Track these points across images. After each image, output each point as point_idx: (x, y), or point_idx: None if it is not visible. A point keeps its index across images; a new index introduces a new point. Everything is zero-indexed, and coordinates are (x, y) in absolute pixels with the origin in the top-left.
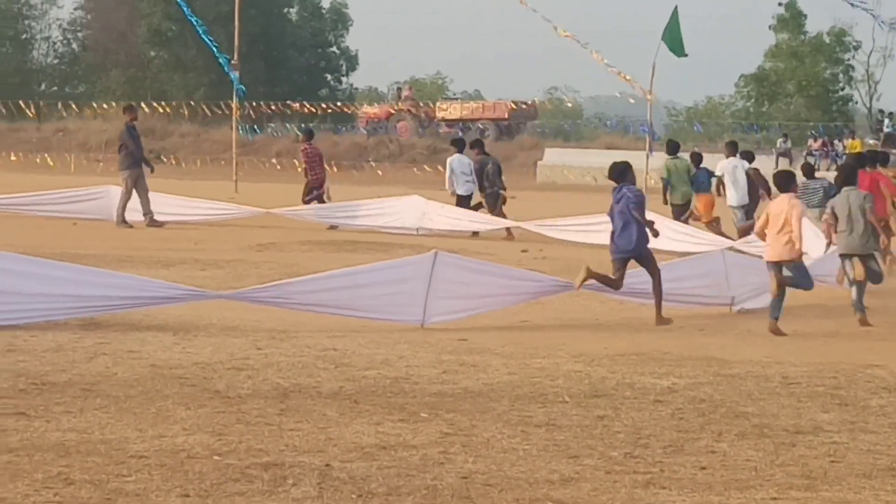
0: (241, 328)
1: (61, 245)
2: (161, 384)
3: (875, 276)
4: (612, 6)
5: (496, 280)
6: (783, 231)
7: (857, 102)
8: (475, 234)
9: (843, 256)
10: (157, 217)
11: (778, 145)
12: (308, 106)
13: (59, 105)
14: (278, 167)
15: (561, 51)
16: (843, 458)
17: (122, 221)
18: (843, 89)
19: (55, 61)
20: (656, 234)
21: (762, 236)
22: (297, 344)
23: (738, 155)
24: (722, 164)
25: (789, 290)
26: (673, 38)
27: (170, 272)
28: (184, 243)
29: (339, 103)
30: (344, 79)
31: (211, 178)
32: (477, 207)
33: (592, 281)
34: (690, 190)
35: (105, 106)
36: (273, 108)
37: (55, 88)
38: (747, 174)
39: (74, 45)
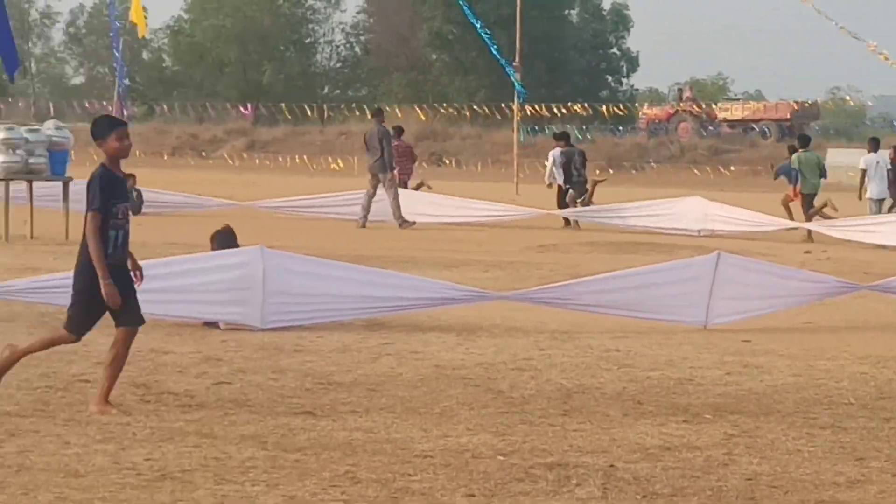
0: (523, 329)
1: (346, 247)
2: (445, 384)
3: None
4: None
5: (779, 281)
6: None
7: None
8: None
9: None
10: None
11: None
12: (589, 107)
13: (343, 108)
14: None
15: (844, 50)
16: None
17: (404, 221)
18: None
19: (338, 65)
20: None
21: None
22: (579, 345)
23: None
24: (864, 159)
25: None
26: None
27: (452, 273)
28: (466, 245)
29: (619, 105)
30: (624, 80)
31: (492, 179)
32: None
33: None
34: (819, 182)
35: (388, 109)
36: (554, 110)
37: (338, 92)
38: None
39: (357, 49)
